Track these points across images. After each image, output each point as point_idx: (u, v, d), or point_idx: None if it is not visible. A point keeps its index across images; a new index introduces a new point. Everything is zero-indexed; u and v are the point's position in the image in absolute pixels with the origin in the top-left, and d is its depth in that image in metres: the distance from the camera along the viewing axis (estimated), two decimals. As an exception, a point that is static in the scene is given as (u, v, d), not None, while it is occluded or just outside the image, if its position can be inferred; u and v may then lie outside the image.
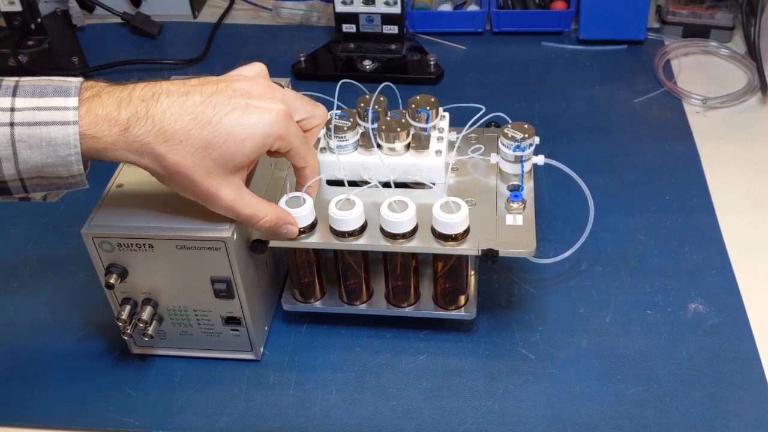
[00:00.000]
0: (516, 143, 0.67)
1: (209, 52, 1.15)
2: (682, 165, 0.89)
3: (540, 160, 0.69)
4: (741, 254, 0.78)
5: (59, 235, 0.84)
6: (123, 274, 0.64)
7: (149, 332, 0.66)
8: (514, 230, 0.65)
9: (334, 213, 0.63)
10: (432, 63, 1.05)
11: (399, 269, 0.69)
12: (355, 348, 0.71)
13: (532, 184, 0.69)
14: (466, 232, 0.64)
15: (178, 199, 0.62)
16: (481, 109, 0.70)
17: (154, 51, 1.17)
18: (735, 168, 0.89)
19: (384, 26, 1.07)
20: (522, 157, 0.67)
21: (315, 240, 0.65)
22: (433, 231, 0.64)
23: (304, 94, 0.64)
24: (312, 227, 0.65)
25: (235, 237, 0.61)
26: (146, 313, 0.65)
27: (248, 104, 0.56)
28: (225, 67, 0.62)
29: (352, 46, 1.10)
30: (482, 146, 0.71)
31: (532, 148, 0.68)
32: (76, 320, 0.75)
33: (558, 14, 1.12)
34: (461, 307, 0.70)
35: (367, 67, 1.06)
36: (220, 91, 0.56)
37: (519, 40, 1.13)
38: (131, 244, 0.62)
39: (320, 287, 0.72)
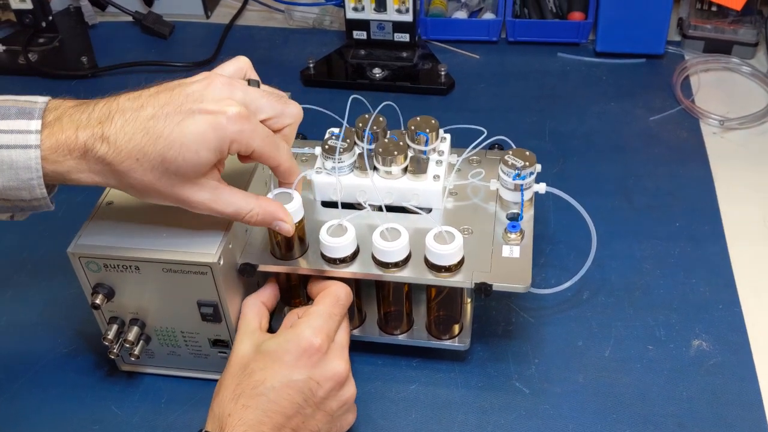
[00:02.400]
0: (516, 171, 0.65)
1: (220, 54, 1.13)
2: (695, 189, 0.86)
3: (542, 188, 0.67)
4: (750, 288, 0.75)
5: (54, 246, 0.82)
6: (109, 294, 0.63)
7: (135, 353, 0.65)
8: (510, 263, 0.63)
9: (326, 240, 0.62)
10: (443, 73, 1.03)
11: (391, 295, 0.67)
12: (345, 373, 0.69)
13: (532, 212, 0.67)
14: (460, 263, 0.62)
15: (168, 220, 0.62)
16: (483, 132, 0.68)
17: (165, 51, 1.15)
18: (750, 195, 0.85)
19: (395, 34, 1.05)
20: (522, 185, 0.65)
21: (305, 266, 0.64)
22: (426, 261, 0.62)
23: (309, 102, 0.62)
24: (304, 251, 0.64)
25: (221, 262, 0.60)
26: (132, 334, 0.64)
27: (199, 109, 0.54)
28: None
29: (362, 53, 1.08)
30: (483, 171, 0.69)
31: (533, 177, 0.66)
32: (68, 332, 0.74)
33: (575, 25, 1.08)
34: (455, 336, 0.68)
35: (377, 75, 1.04)
36: (173, 99, 0.54)
37: (534, 51, 1.10)
38: (118, 266, 0.61)
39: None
